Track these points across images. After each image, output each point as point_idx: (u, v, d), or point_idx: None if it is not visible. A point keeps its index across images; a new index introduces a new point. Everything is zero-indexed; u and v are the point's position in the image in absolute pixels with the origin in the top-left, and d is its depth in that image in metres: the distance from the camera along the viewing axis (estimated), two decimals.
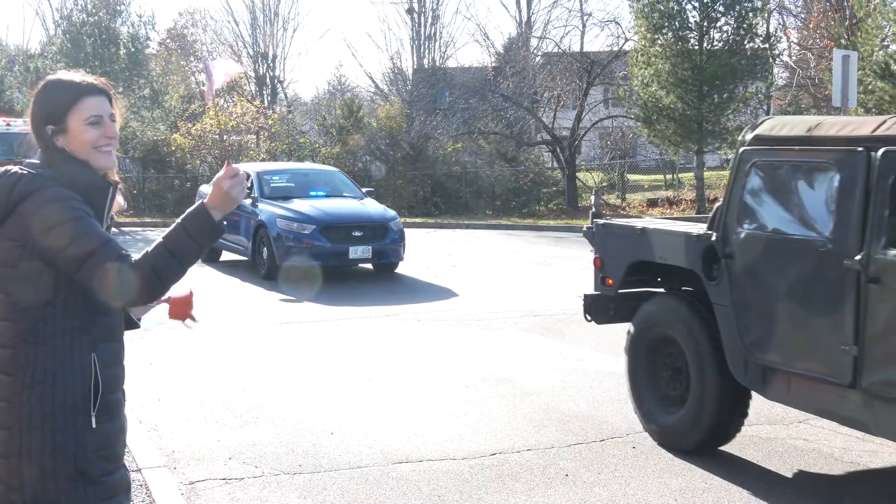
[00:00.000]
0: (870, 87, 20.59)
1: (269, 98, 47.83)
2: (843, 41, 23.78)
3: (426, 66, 47.33)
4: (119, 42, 35.12)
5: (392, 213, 14.34)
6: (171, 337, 9.42)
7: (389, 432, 6.19)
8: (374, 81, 52.33)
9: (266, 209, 13.82)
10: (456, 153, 32.26)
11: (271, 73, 49.38)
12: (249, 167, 15.69)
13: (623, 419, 6.46)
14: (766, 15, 28.58)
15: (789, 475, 5.36)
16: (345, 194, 14.99)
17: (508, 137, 32.59)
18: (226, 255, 15.46)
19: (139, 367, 8.06)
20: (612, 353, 8.52)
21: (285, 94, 51.07)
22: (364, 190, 15.49)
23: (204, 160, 31.18)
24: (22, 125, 23.14)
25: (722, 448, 5.81)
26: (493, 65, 39.53)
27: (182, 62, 47.04)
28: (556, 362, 8.27)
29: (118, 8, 37.13)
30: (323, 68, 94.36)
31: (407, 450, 5.82)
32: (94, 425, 2.54)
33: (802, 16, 34.22)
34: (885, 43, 21.29)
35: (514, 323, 10.17)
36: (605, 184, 33.80)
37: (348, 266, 13.88)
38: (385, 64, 76.84)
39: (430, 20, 50.13)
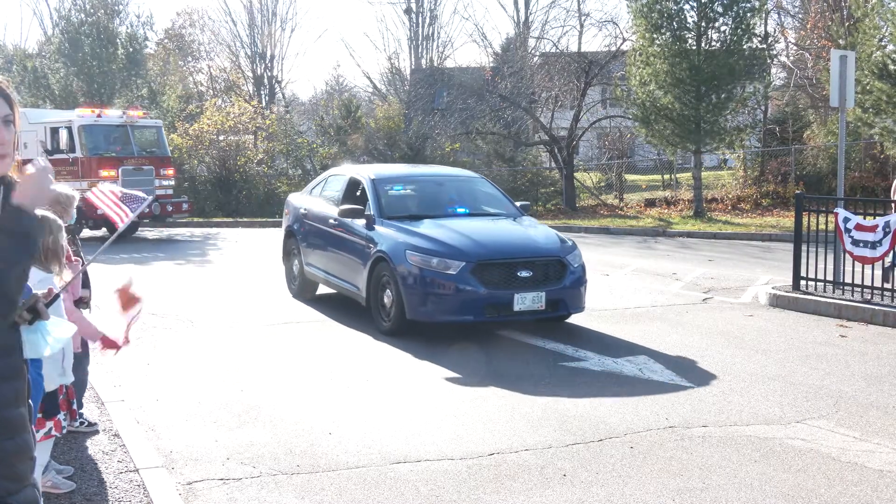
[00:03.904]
0: (868, 87, 20.60)
1: (266, 98, 47.83)
2: (840, 41, 23.80)
3: (424, 67, 47.38)
4: (117, 42, 35.14)
5: (569, 241, 10.01)
6: (168, 337, 9.42)
7: (387, 432, 6.19)
8: (371, 81, 52.42)
9: (388, 234, 9.76)
10: (454, 153, 32.30)
11: (269, 74, 49.38)
12: (361, 171, 11.59)
13: (621, 419, 6.46)
14: (764, 15, 28.61)
15: (787, 475, 5.36)
16: (490, 210, 10.94)
17: (506, 137, 32.63)
18: (322, 289, 12.05)
19: (137, 368, 8.06)
20: (610, 354, 8.53)
21: (283, 95, 51.05)
22: (518, 204, 11.26)
23: (202, 160, 31.18)
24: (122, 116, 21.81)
25: (719, 448, 5.82)
26: (491, 65, 39.56)
27: (180, 62, 47.05)
28: (554, 362, 8.27)
29: (116, 8, 37.14)
30: (321, 68, 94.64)
31: (405, 450, 5.82)
32: None
33: (800, 16, 34.24)
34: (883, 43, 21.30)
35: (512, 323, 10.16)
36: (602, 184, 33.83)
37: (510, 321, 9.71)
38: (383, 64, 77.05)
39: (427, 20, 50.20)
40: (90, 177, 20.05)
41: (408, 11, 49.67)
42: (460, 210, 10.62)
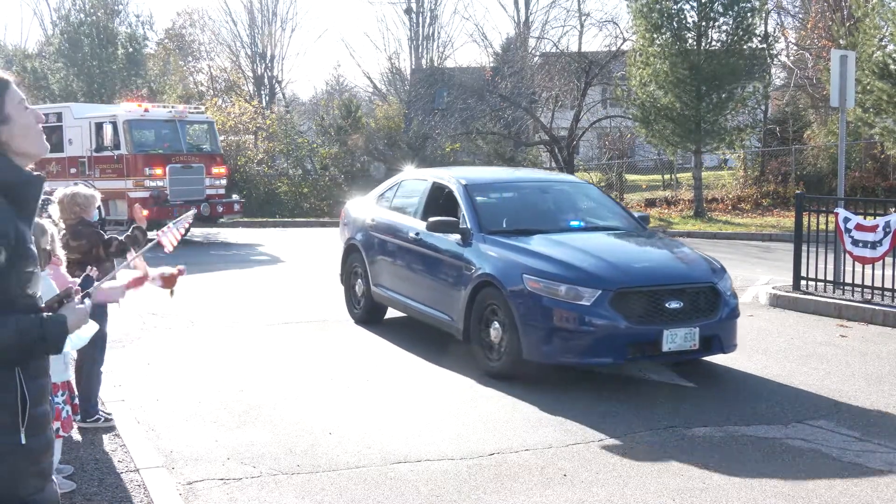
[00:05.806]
0: (868, 87, 20.60)
1: (267, 98, 47.82)
2: (841, 41, 23.80)
3: (424, 67, 47.36)
4: (117, 42, 35.17)
5: (717, 262, 8.23)
6: (169, 337, 9.42)
7: (387, 432, 6.19)
8: (372, 81, 52.40)
9: (492, 253, 7.99)
10: (454, 153, 32.28)
11: (269, 74, 49.37)
12: (445, 174, 9.57)
13: (621, 419, 6.46)
14: (764, 15, 28.61)
15: (787, 475, 5.36)
16: (602, 224, 8.96)
17: (506, 137, 32.64)
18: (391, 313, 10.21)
19: (137, 368, 8.06)
20: None
21: (283, 95, 51.06)
22: (637, 215, 9.39)
23: None
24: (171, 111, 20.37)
25: (719, 448, 5.82)
26: (492, 65, 39.56)
27: (180, 62, 47.03)
28: None
29: (116, 8, 37.16)
30: (321, 68, 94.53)
31: (405, 450, 5.82)
32: (23, 442, 2.43)
33: (800, 16, 34.25)
34: (884, 43, 21.31)
35: None
36: (603, 184, 33.83)
37: (654, 361, 7.85)
38: (383, 64, 77.11)
39: (428, 20, 50.19)
40: (136, 175, 18.92)
41: (408, 11, 49.67)
42: (574, 223, 8.79)
